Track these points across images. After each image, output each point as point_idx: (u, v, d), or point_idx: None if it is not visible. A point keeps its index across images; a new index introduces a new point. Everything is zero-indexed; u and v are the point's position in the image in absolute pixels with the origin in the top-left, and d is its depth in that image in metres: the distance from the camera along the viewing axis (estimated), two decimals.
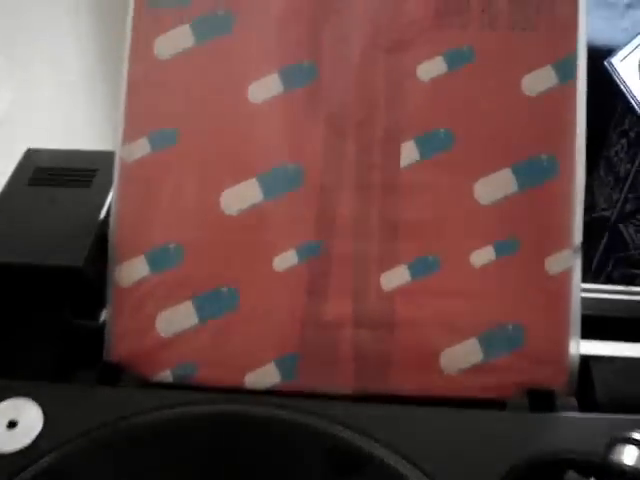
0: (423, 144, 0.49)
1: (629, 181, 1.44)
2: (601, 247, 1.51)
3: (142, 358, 0.49)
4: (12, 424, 0.43)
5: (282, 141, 0.50)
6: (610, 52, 1.48)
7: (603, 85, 1.48)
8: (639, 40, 1.47)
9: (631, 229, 1.44)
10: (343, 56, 0.50)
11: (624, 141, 1.46)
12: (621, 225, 1.47)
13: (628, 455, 0.40)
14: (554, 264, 0.48)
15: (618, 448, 0.40)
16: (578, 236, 0.49)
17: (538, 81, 0.49)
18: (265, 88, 0.50)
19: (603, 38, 1.63)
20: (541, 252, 0.49)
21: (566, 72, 0.49)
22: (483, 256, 0.49)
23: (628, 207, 1.46)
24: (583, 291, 0.50)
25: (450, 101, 0.49)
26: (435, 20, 0.49)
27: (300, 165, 0.49)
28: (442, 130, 0.49)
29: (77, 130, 1.04)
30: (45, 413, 0.44)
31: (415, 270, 0.49)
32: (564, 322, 0.48)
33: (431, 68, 0.49)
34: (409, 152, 0.49)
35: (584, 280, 0.49)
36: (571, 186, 0.49)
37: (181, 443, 0.43)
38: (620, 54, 1.42)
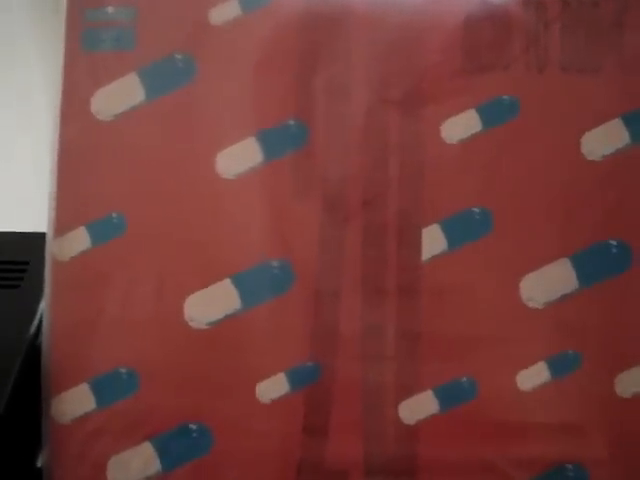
0: (452, 229, 0.37)
1: None
2: None
3: None
4: None
5: (263, 229, 0.38)
6: None
7: None
8: None
9: None
10: (341, 114, 0.38)
11: None
12: None
13: None
14: (628, 383, 0.37)
15: None
16: None
17: (603, 140, 0.37)
18: (239, 157, 0.38)
19: None
20: (610, 368, 0.37)
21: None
22: (533, 376, 0.37)
23: None
24: None
25: (486, 170, 0.37)
26: (465, 63, 0.37)
27: (288, 262, 0.37)
28: (477, 209, 0.37)
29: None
30: None
31: (445, 397, 0.37)
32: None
33: (461, 126, 0.37)
34: (433, 240, 0.37)
35: None
36: None
37: None
38: None
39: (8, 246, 0.44)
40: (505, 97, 0.37)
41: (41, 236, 0.39)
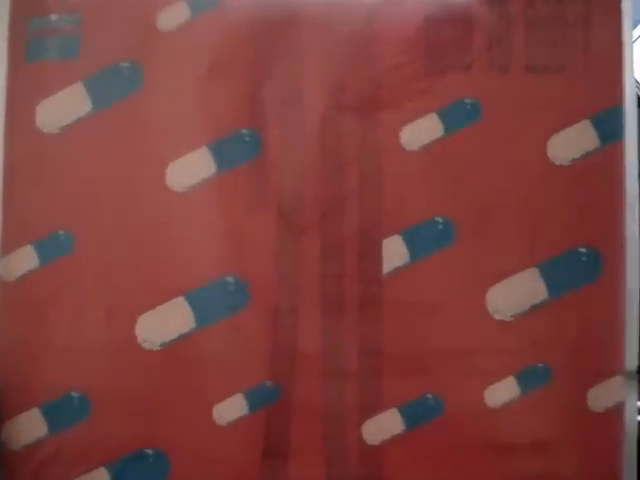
0: (414, 240, 0.36)
1: None
2: None
3: None
4: None
5: (217, 244, 0.36)
6: None
7: None
8: None
9: None
10: (295, 121, 0.36)
11: None
12: None
13: None
14: (599, 397, 0.36)
15: None
16: (632, 357, 0.35)
17: (570, 144, 0.35)
18: (190, 169, 0.37)
19: None
20: (581, 382, 0.36)
21: (609, 129, 0.35)
22: (502, 392, 0.36)
23: None
24: None
25: (449, 177, 0.36)
26: (425, 64, 0.35)
27: (244, 278, 0.36)
28: (439, 219, 0.36)
29: None
30: None
31: (410, 415, 0.36)
32: (614, 472, 0.35)
33: (421, 131, 0.36)
34: (394, 252, 0.36)
35: None
36: (620, 288, 0.35)
37: None
38: None
39: None
40: (467, 99, 0.36)
41: None
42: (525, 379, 0.36)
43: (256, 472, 0.36)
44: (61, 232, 0.37)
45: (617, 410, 0.36)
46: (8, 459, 0.37)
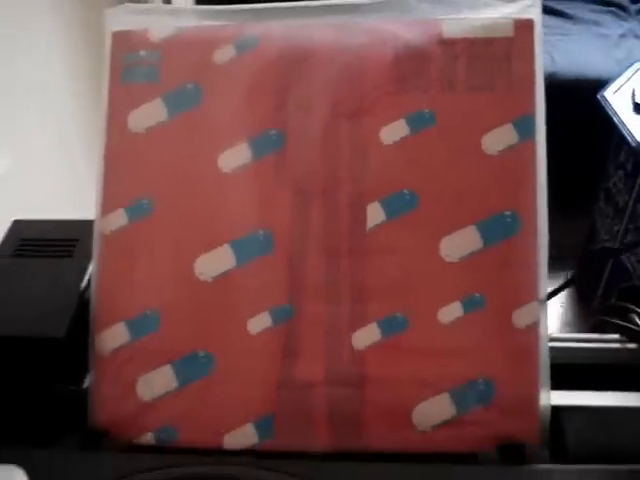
0: (388, 205, 0.51)
1: (628, 212, 1.45)
2: (604, 278, 1.52)
3: (124, 422, 0.51)
4: None
5: (252, 208, 0.52)
6: (604, 84, 1.50)
7: (601, 117, 1.50)
8: (632, 72, 1.49)
9: (633, 259, 1.44)
10: (307, 125, 0.52)
11: (621, 173, 1.47)
12: (623, 256, 1.47)
13: None
14: (520, 318, 0.50)
15: None
16: (543, 288, 0.50)
17: (498, 140, 0.50)
18: (235, 158, 0.52)
19: (597, 70, 1.66)
20: (507, 306, 0.50)
21: (526, 130, 0.50)
22: (451, 313, 0.50)
23: (629, 238, 1.47)
24: (551, 341, 0.51)
25: (413, 163, 0.51)
26: (395, 85, 0.51)
27: (270, 231, 0.51)
28: (406, 191, 0.51)
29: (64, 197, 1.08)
30: (31, 479, 0.45)
31: (385, 329, 0.50)
32: (533, 374, 0.49)
33: (394, 131, 0.51)
34: (375, 214, 0.51)
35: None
36: (534, 240, 0.50)
37: None
38: (613, 86, 1.44)
39: (61, 229, 0.58)
40: (426, 110, 0.51)
41: (87, 222, 0.54)
42: (467, 304, 0.50)
43: (277, 368, 0.50)
44: (144, 200, 0.52)
45: (534, 327, 0.50)
46: (99, 361, 0.51)
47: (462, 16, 0.52)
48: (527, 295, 0.50)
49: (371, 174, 0.51)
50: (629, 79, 1.43)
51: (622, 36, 1.80)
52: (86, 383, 0.52)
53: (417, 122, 0.51)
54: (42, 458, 0.47)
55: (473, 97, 0.51)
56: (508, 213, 0.50)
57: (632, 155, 1.37)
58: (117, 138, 0.53)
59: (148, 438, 0.50)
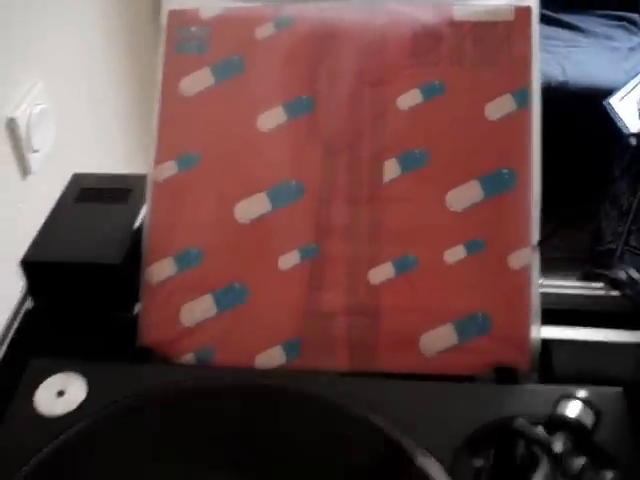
0: (403, 162, 0.59)
1: (632, 214, 1.52)
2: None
3: (169, 344, 0.58)
4: (61, 393, 0.53)
5: (286, 161, 0.60)
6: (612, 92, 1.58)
7: (608, 123, 1.57)
8: (638, 80, 1.57)
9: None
10: (335, 92, 0.60)
11: (626, 177, 1.54)
12: (626, 257, 1.54)
13: (571, 409, 0.48)
14: (515, 260, 0.57)
15: (563, 403, 0.48)
16: (535, 236, 0.57)
17: (498, 108, 0.58)
18: (271, 119, 0.60)
19: (606, 80, 1.73)
20: (504, 250, 0.57)
21: (523, 99, 0.58)
22: (455, 255, 0.58)
23: (632, 239, 1.54)
24: (543, 287, 0.58)
25: (425, 126, 0.59)
26: (411, 59, 0.59)
27: (301, 181, 0.59)
28: (418, 150, 0.59)
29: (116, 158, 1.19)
30: (88, 385, 0.53)
31: (398, 267, 0.58)
32: (526, 310, 0.57)
33: (409, 99, 0.59)
34: (391, 169, 0.59)
35: None
36: (529, 194, 0.58)
37: (212, 411, 0.52)
38: (619, 94, 1.52)
39: (116, 181, 0.66)
40: (437, 82, 0.59)
41: (138, 176, 0.62)
42: (469, 248, 0.57)
43: (303, 299, 0.58)
44: (192, 153, 0.60)
45: (527, 269, 0.57)
46: (148, 290, 0.59)
47: (470, 2, 0.60)
48: (521, 241, 0.57)
49: (388, 135, 0.59)
50: (635, 87, 1.51)
51: (631, 49, 1.88)
52: (136, 310, 0.60)
53: (429, 92, 0.59)
54: (98, 369, 0.55)
55: (478, 71, 0.59)
56: (506, 170, 0.58)
57: (636, 159, 1.45)
58: (170, 101, 0.61)
59: (189, 358, 0.58)
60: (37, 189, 0.90)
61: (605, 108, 1.49)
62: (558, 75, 1.74)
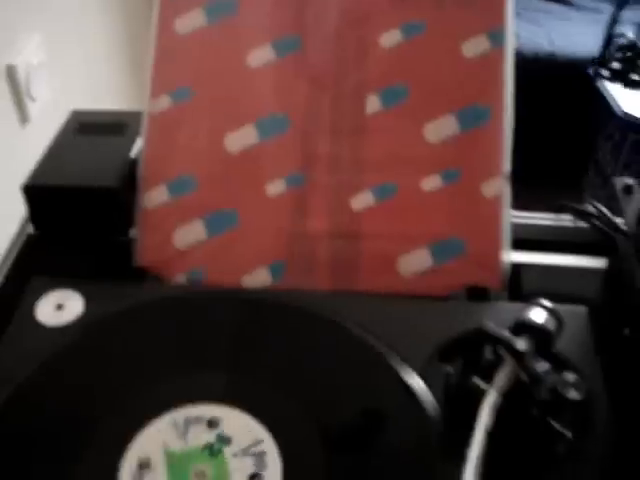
0: (384, 96, 0.62)
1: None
2: None
3: (162, 265, 0.62)
4: (60, 307, 0.56)
5: (273, 95, 0.63)
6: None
7: (592, 92, 1.61)
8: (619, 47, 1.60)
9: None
10: (322, 30, 0.64)
11: (609, 144, 1.58)
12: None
13: (536, 315, 0.52)
14: (488, 189, 0.61)
15: (528, 310, 0.52)
16: (507, 166, 0.61)
17: (474, 46, 0.62)
18: (260, 55, 0.64)
19: (593, 52, 1.77)
20: (477, 179, 0.61)
21: (497, 40, 0.62)
22: (431, 183, 0.61)
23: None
24: (515, 217, 0.62)
25: (405, 63, 0.63)
26: (393, 4, 0.63)
27: (288, 114, 0.63)
28: (398, 85, 0.62)
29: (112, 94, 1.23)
30: (86, 300, 0.57)
31: (377, 194, 0.62)
32: (497, 235, 0.61)
33: (390, 37, 0.63)
34: (373, 103, 0.62)
35: None
36: (501, 128, 0.61)
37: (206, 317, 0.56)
38: (601, 61, 1.56)
39: (113, 116, 0.70)
40: (417, 21, 0.63)
41: (134, 113, 0.65)
42: (444, 177, 0.61)
43: (288, 223, 0.62)
44: (185, 88, 0.64)
45: (499, 197, 0.61)
46: (144, 215, 0.62)
47: None
48: (494, 171, 0.61)
49: (371, 71, 0.63)
50: (616, 54, 1.55)
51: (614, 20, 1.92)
52: (131, 235, 0.63)
53: (410, 30, 0.63)
54: (95, 286, 0.58)
55: (456, 12, 0.63)
56: (480, 105, 0.62)
57: (619, 125, 1.49)
58: (165, 39, 0.65)
59: (180, 278, 0.62)
60: (35, 138, 0.94)
61: (589, 75, 1.53)
62: (546, 46, 1.78)
